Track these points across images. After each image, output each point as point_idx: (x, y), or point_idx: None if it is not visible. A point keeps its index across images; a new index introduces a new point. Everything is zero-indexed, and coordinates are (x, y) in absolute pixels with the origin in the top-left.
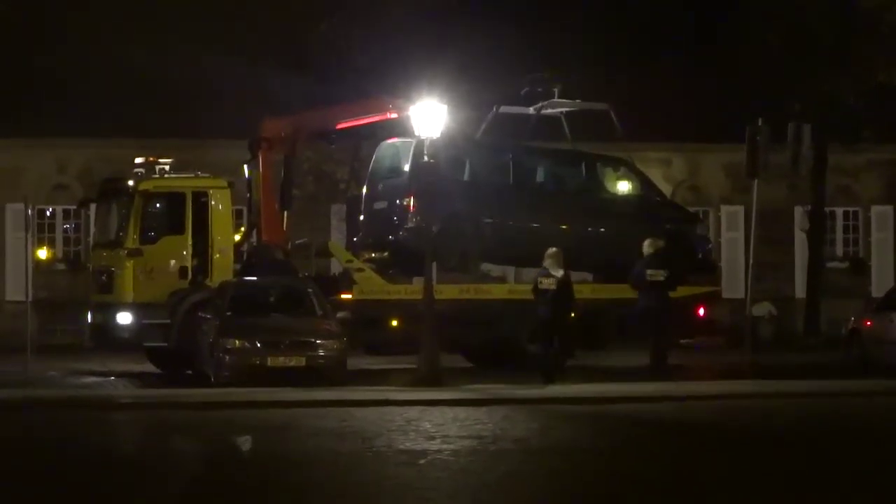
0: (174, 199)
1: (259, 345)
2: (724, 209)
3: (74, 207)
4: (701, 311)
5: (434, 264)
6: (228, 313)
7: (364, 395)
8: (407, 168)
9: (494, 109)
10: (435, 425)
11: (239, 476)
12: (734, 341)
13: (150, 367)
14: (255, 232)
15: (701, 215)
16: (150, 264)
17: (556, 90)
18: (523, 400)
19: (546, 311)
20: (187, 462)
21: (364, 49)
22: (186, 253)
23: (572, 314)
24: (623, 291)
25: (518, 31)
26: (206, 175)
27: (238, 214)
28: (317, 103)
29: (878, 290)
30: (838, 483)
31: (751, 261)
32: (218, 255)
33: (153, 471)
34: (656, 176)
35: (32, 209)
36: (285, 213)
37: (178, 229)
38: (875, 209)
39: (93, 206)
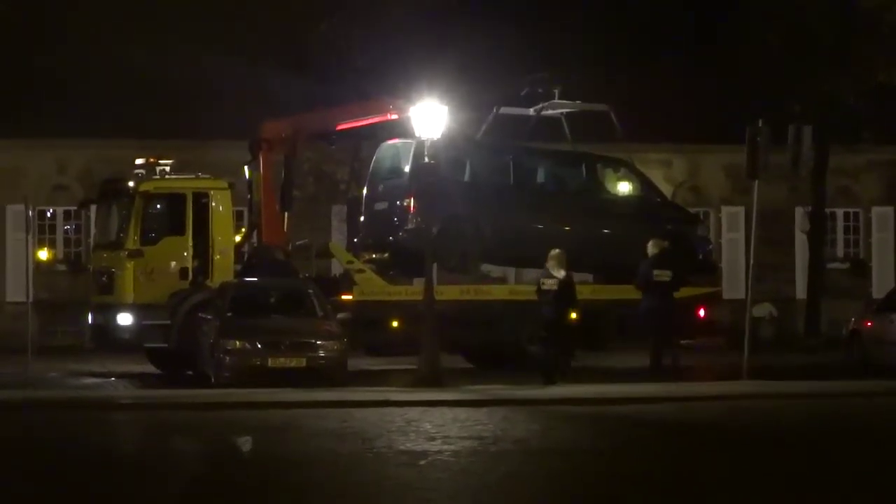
0: (175, 200)
1: (259, 346)
2: (725, 210)
3: (75, 208)
4: (701, 312)
5: (434, 265)
6: (229, 314)
7: (364, 395)
8: (407, 169)
9: (495, 110)
10: (435, 426)
11: (239, 476)
12: (734, 342)
13: (150, 368)
14: (255, 233)
15: (701, 216)
16: (151, 265)
17: (556, 91)
18: (524, 401)
19: (548, 311)
20: (188, 463)
21: (364, 50)
22: (187, 254)
23: (573, 315)
24: (623, 292)
25: (518, 32)
26: (207, 176)
27: (238, 215)
28: (317, 104)
29: (878, 290)
30: (839, 484)
31: (751, 262)
32: (218, 256)
33: (153, 471)
34: (657, 177)
35: (33, 210)
36: (286, 213)
37: (179, 230)
38: (875, 210)
39: (93, 207)
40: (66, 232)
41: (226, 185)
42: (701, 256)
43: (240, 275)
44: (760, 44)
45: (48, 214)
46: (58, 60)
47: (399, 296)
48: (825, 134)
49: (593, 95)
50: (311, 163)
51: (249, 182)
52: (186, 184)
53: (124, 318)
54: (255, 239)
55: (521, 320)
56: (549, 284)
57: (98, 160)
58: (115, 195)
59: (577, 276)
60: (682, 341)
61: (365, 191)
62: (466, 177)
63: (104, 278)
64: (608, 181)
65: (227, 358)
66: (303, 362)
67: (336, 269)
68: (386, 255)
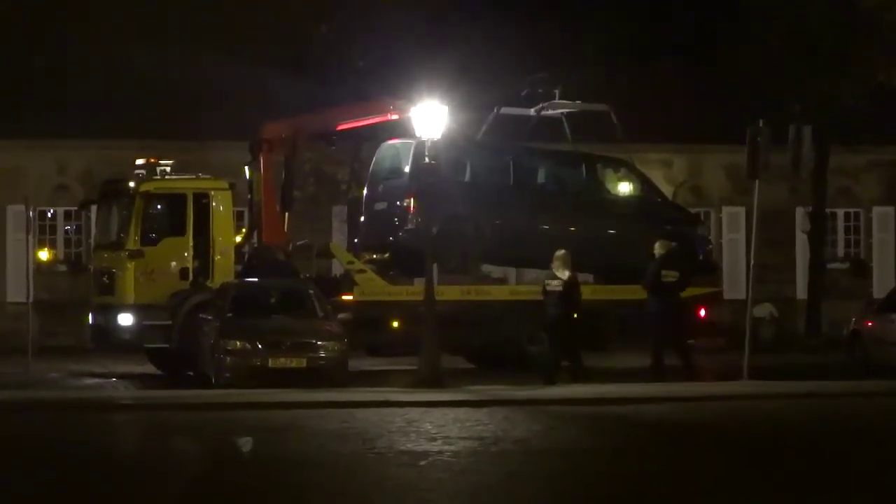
0: (175, 201)
1: (260, 346)
2: (725, 210)
3: (75, 209)
4: (702, 312)
5: (435, 266)
6: (229, 315)
7: (365, 396)
8: (407, 169)
9: (495, 111)
10: (436, 426)
11: (240, 477)
12: (735, 342)
13: (150, 369)
14: (256, 233)
15: (702, 216)
16: (151, 266)
17: (556, 91)
18: (524, 401)
19: (553, 312)
20: (188, 463)
21: (364, 50)
22: (187, 254)
23: (574, 316)
24: (623, 292)
25: (518, 32)
26: (207, 176)
27: (239, 216)
28: (317, 105)
29: (879, 291)
30: (839, 484)
31: (752, 262)
32: (219, 257)
33: (154, 472)
34: (657, 177)
35: (33, 210)
36: (286, 214)
37: (180, 231)
38: (876, 210)
39: (94, 208)
40: (66, 232)
41: (226, 185)
42: (701, 257)
43: (240, 275)
44: (760, 44)
45: (49, 215)
46: (58, 61)
47: (399, 296)
48: (825, 134)
49: (593, 96)
50: (312, 163)
51: (250, 182)
52: (187, 184)
53: (125, 319)
54: (255, 239)
55: (522, 321)
56: (554, 285)
57: (99, 160)
58: (115, 196)
59: (578, 277)
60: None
61: (365, 191)
62: (467, 177)
63: (105, 279)
64: (608, 181)
65: (228, 358)
66: (303, 363)
67: (337, 269)
68: (386, 255)
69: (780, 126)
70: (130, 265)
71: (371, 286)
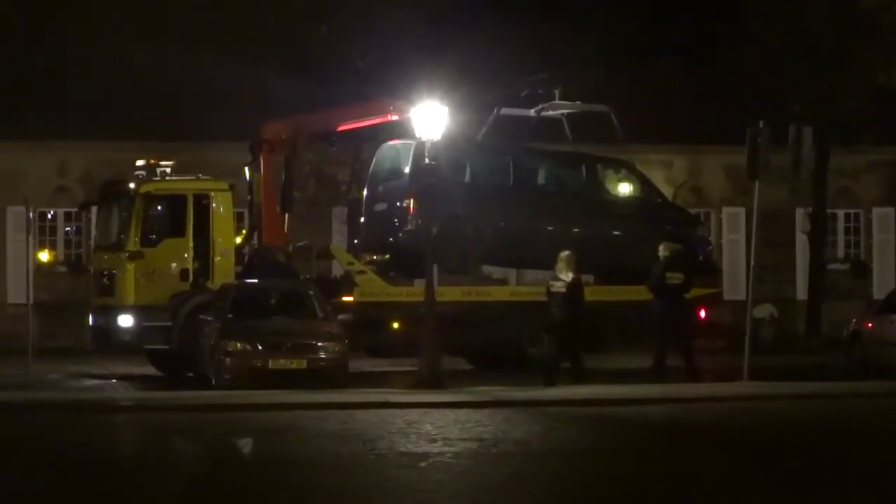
0: (175, 202)
1: (260, 347)
2: (725, 211)
3: (75, 210)
4: (702, 313)
5: (435, 266)
6: (230, 316)
7: (365, 397)
8: (407, 170)
9: (495, 111)
10: (436, 427)
11: (240, 478)
12: (735, 343)
13: (151, 370)
14: (256, 234)
15: (702, 217)
16: (152, 267)
17: (556, 92)
18: (524, 402)
19: (556, 313)
20: (188, 464)
21: (365, 51)
22: (187, 255)
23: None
24: (623, 293)
25: (518, 33)
26: (208, 177)
27: (239, 217)
28: (317, 105)
29: (879, 291)
30: (839, 485)
31: (752, 263)
32: (219, 258)
33: (154, 473)
34: (657, 177)
35: (33, 212)
36: (286, 215)
37: (180, 232)
38: (876, 211)
39: (94, 209)
40: (66, 233)
41: (226, 186)
42: (701, 257)
43: (240, 276)
44: (760, 44)
45: (49, 216)
46: (58, 61)
47: (400, 297)
48: (826, 135)
49: (593, 96)
50: (312, 164)
51: (250, 183)
52: (187, 185)
53: (125, 320)
54: (255, 240)
55: (522, 322)
56: (558, 287)
57: (99, 162)
58: (115, 197)
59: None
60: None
61: (365, 192)
62: (467, 178)
63: (105, 280)
64: (608, 182)
65: (228, 359)
66: (303, 364)
67: (337, 270)
68: (386, 256)
69: (781, 126)
70: (130, 266)
71: (371, 287)
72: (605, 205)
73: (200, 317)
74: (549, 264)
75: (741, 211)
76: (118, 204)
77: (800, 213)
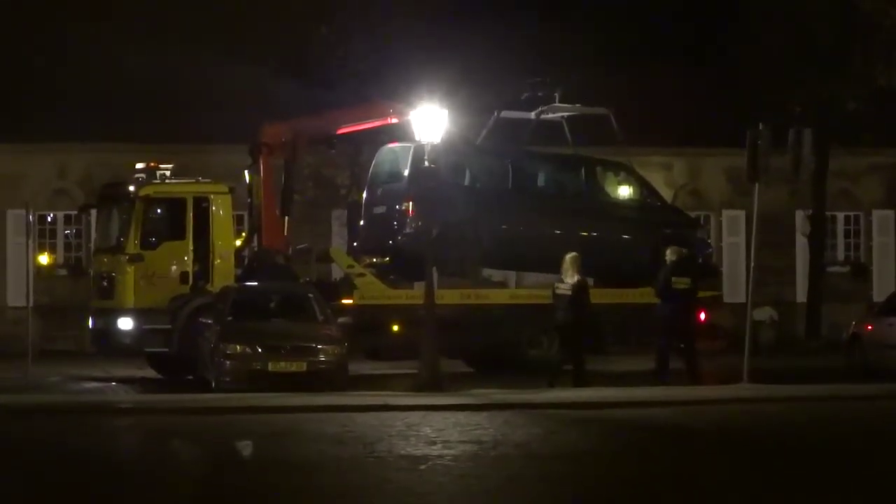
0: (175, 205)
1: (260, 350)
2: (725, 213)
3: (75, 213)
4: (702, 316)
5: (434, 269)
6: (229, 318)
7: (365, 400)
8: (407, 173)
9: (495, 114)
10: (436, 430)
11: (239, 480)
12: (735, 345)
13: (150, 373)
14: (255, 237)
15: (702, 220)
16: (151, 270)
17: (556, 94)
18: (524, 405)
19: (561, 316)
20: (188, 467)
21: (364, 53)
22: (187, 258)
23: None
24: (623, 296)
25: (518, 35)
26: (207, 180)
27: (239, 220)
28: (317, 108)
29: (879, 294)
30: (839, 487)
31: (752, 265)
32: (219, 261)
33: (154, 475)
34: (657, 180)
35: (33, 215)
36: (286, 218)
37: (179, 235)
38: (876, 213)
39: (93, 212)
40: (66, 236)
41: (226, 189)
42: (700, 260)
43: (240, 279)
44: (760, 46)
45: (48, 219)
46: (58, 64)
47: (399, 300)
48: (825, 137)
49: (594, 99)
50: (312, 167)
51: (250, 186)
52: (187, 188)
53: (125, 323)
54: (255, 243)
55: (522, 324)
56: (563, 289)
57: (98, 164)
58: (115, 200)
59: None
60: (681, 345)
61: (365, 195)
62: (466, 181)
63: (104, 283)
64: (608, 185)
65: (228, 362)
66: (303, 367)
67: (336, 273)
68: (386, 259)
69: (781, 129)
70: (130, 269)
71: (371, 290)
72: (604, 207)
73: (200, 319)
74: (548, 267)
75: (741, 213)
76: (118, 207)
77: (800, 216)
